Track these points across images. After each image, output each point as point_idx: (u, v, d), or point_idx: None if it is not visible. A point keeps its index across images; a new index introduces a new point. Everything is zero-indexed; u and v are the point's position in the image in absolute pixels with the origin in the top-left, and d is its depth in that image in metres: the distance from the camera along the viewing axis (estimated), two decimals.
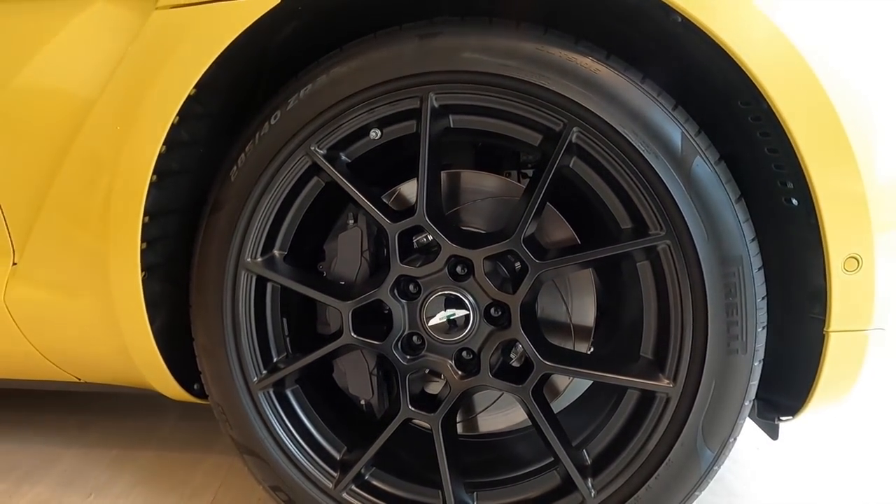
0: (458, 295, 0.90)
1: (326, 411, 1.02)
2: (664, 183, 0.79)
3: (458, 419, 1.04)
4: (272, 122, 0.90)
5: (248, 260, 0.93)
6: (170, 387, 1.05)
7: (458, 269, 0.91)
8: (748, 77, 0.75)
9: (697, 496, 0.87)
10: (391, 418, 0.93)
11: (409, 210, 0.89)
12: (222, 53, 0.84)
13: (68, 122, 0.91)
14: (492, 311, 0.91)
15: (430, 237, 0.91)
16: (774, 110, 0.75)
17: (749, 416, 0.97)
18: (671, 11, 0.76)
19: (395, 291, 0.92)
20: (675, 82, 0.84)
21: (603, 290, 1.09)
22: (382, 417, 0.98)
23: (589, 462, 0.90)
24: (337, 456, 0.98)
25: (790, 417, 0.92)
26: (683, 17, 0.75)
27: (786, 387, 0.91)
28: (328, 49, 0.91)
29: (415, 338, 0.95)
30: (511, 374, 0.92)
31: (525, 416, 0.95)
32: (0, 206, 0.98)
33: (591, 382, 1.18)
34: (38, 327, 1.05)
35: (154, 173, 0.89)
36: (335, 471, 0.97)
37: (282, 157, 0.90)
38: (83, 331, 1.03)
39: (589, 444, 0.91)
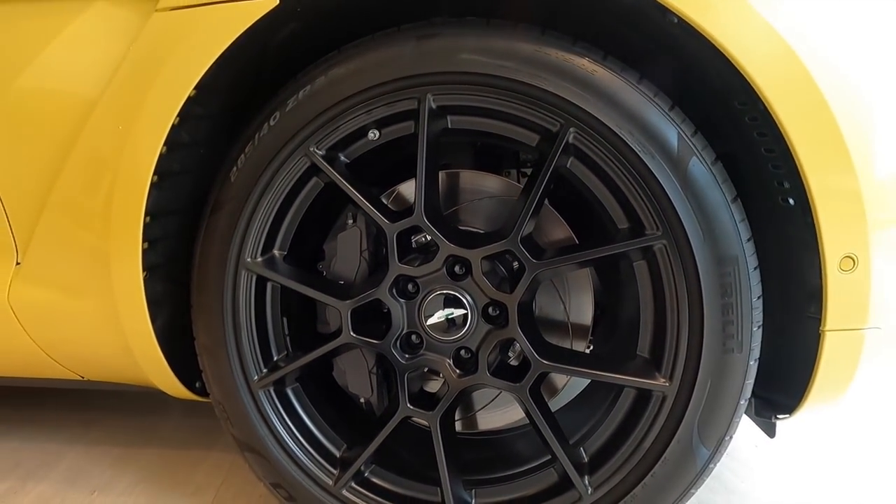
0: (457, 294, 0.91)
1: (326, 409, 1.03)
2: (660, 183, 0.80)
3: (456, 417, 1.05)
4: (271, 123, 0.90)
5: (249, 260, 0.94)
6: (171, 385, 1.06)
7: (457, 268, 0.92)
8: (744, 77, 0.75)
9: (693, 493, 0.87)
10: (390, 416, 0.94)
11: (407, 210, 0.90)
12: (222, 55, 0.84)
13: (70, 122, 0.92)
14: (490, 310, 0.92)
15: (429, 237, 0.91)
16: (770, 110, 0.75)
17: (747, 414, 0.98)
18: (667, 12, 0.76)
19: (394, 291, 0.93)
20: (673, 83, 0.85)
21: (601, 289, 1.09)
22: (382, 415, 0.99)
23: (586, 460, 0.91)
24: (337, 453, 0.99)
25: (787, 416, 0.92)
26: (679, 18, 0.76)
27: (783, 385, 0.91)
28: (327, 50, 0.92)
29: (413, 337, 0.96)
30: (509, 373, 0.92)
31: (523, 415, 0.96)
32: (3, 206, 0.99)
33: (588, 381, 1.19)
34: (41, 326, 1.06)
35: (155, 174, 0.90)
36: (335, 468, 0.97)
37: (281, 158, 0.90)
38: (86, 330, 1.04)
39: (586, 442, 0.92)
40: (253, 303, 0.97)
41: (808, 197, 0.77)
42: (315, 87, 0.88)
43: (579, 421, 0.98)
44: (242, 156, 0.93)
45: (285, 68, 0.95)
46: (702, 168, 0.80)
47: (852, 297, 0.79)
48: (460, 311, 0.91)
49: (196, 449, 1.40)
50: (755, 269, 0.82)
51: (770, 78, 0.74)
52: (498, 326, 0.92)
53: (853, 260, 0.78)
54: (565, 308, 1.04)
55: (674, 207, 0.80)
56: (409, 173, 0.97)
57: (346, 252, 0.99)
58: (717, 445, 0.85)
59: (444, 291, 0.91)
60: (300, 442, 0.98)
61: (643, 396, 0.88)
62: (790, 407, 0.90)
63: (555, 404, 1.07)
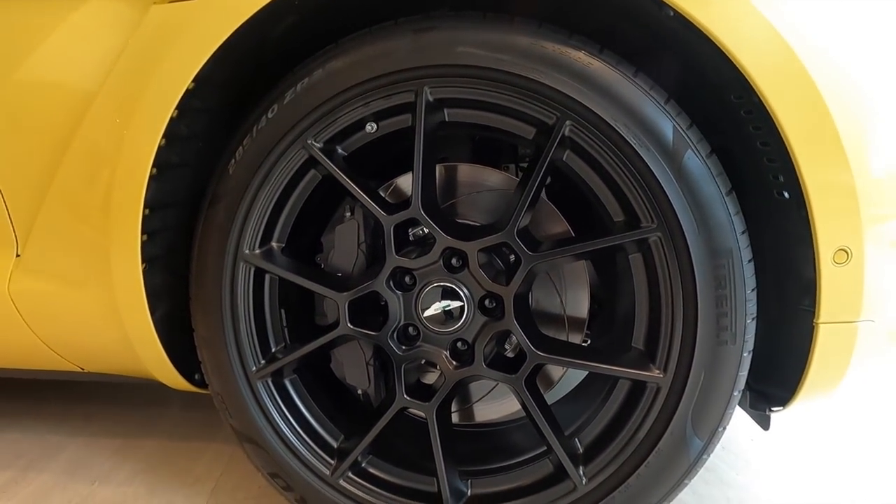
0: (453, 286, 0.92)
1: (324, 400, 1.03)
2: (655, 176, 0.80)
3: (453, 409, 1.06)
4: (269, 115, 0.91)
5: (247, 252, 0.95)
6: (171, 377, 1.06)
7: (453, 260, 0.92)
8: (740, 71, 0.75)
9: (687, 484, 0.88)
10: (387, 407, 0.95)
11: (404, 203, 0.90)
12: (220, 48, 0.85)
13: (69, 115, 0.93)
14: (486, 302, 0.92)
15: (426, 230, 0.92)
16: (765, 104, 0.76)
17: (741, 407, 0.99)
18: (663, 5, 0.76)
19: (391, 283, 0.94)
20: (670, 76, 0.85)
21: (598, 282, 1.10)
22: (379, 406, 0.99)
23: (581, 450, 0.91)
24: (334, 444, 1.00)
25: (781, 408, 0.93)
26: (675, 11, 0.76)
27: (777, 378, 0.92)
28: (325, 44, 0.92)
29: (410, 328, 0.97)
30: (505, 365, 0.93)
31: (519, 407, 0.96)
32: (3, 198, 0.99)
33: (585, 374, 1.19)
34: (41, 318, 1.07)
35: (154, 166, 0.90)
36: (332, 458, 0.98)
37: (279, 151, 0.91)
38: (86, 321, 1.05)
39: (581, 434, 0.92)
40: (251, 295, 0.97)
41: (803, 190, 0.77)
42: (313, 80, 0.89)
43: (575, 413, 0.99)
44: (241, 148, 0.93)
45: (283, 62, 0.95)
46: (697, 161, 0.80)
47: (846, 290, 0.79)
48: (457, 303, 0.92)
49: (196, 441, 1.42)
50: (749, 261, 0.82)
51: (765, 71, 0.75)
52: (494, 318, 0.92)
53: (847, 253, 0.78)
54: (562, 301, 1.04)
55: (669, 200, 0.80)
56: (407, 166, 0.97)
57: (344, 244, 0.99)
58: (711, 436, 0.85)
59: (441, 283, 0.92)
60: (298, 432, 0.99)
61: (638, 388, 0.88)
62: (784, 399, 0.91)
63: (551, 397, 1.08)
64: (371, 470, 0.99)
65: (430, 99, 0.86)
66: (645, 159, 0.80)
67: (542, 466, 0.94)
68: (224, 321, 0.97)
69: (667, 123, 0.80)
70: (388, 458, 1.00)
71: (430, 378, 1.07)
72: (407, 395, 0.94)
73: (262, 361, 0.99)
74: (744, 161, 0.86)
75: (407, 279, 0.94)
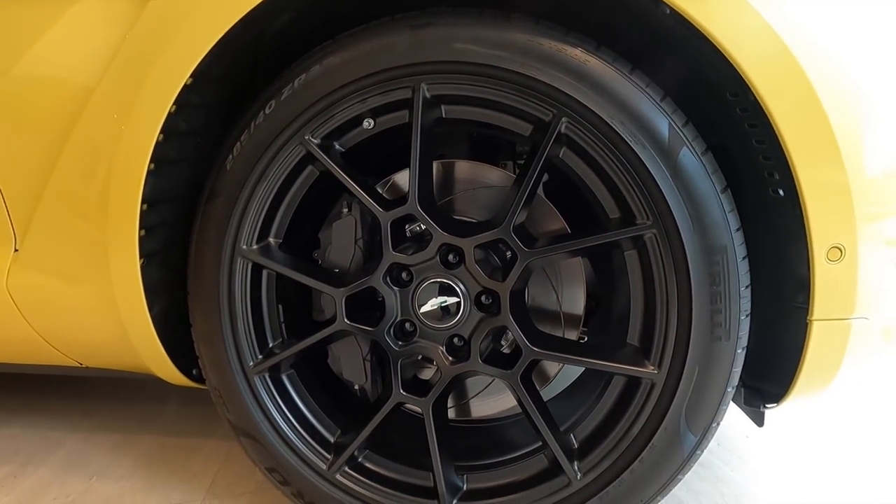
0: (450, 282, 0.92)
1: (321, 395, 1.04)
2: (651, 173, 0.80)
3: (449, 404, 1.06)
4: (267, 111, 0.91)
5: (244, 247, 0.95)
6: (169, 372, 1.07)
7: (450, 257, 0.93)
8: (735, 68, 0.76)
9: (681, 479, 0.89)
10: (383, 402, 0.95)
11: (401, 199, 0.91)
12: (218, 43, 0.85)
13: (67, 110, 0.93)
14: (482, 298, 0.93)
15: (423, 226, 0.92)
16: (760, 102, 0.76)
17: (736, 403, 0.99)
18: (660, 3, 0.76)
19: (388, 279, 0.94)
20: (667, 74, 0.85)
21: (595, 279, 1.10)
22: (375, 402, 1.00)
23: (576, 446, 0.92)
24: (331, 439, 1.00)
25: (775, 405, 0.93)
26: (672, 9, 0.76)
27: (771, 375, 0.93)
28: (323, 40, 0.93)
29: (407, 324, 0.97)
30: (501, 360, 0.94)
31: (515, 402, 0.97)
32: (1, 193, 1.00)
33: (581, 370, 1.20)
34: (40, 312, 1.07)
35: (151, 161, 0.91)
36: (329, 453, 0.99)
37: (276, 147, 0.91)
38: (84, 316, 1.05)
39: (576, 429, 0.93)
40: (249, 290, 0.98)
41: (797, 188, 0.77)
42: (310, 76, 0.89)
43: (570, 409, 0.99)
44: (238, 144, 0.93)
45: (281, 57, 0.96)
46: (692, 158, 0.80)
47: (839, 288, 0.80)
48: (453, 299, 0.92)
49: (194, 437, 1.42)
50: (744, 258, 0.83)
51: (760, 69, 0.75)
52: (490, 314, 0.93)
53: (840, 250, 0.79)
54: (558, 298, 1.05)
55: (664, 197, 0.80)
56: (405, 163, 0.97)
57: (341, 240, 1.00)
58: (704, 432, 0.86)
59: (438, 279, 0.92)
60: (295, 427, 1.00)
61: (632, 384, 0.89)
62: (778, 396, 0.91)
63: (546, 393, 1.08)
64: (367, 465, 1.00)
65: (427, 95, 0.86)
66: (640, 156, 0.80)
67: (538, 462, 0.95)
68: (221, 316, 0.97)
69: (662, 121, 0.81)
70: (385, 452, 1.00)
71: (427, 374, 1.07)
72: (403, 390, 0.95)
73: (260, 356, 0.99)
74: (739, 159, 0.86)
75: (404, 275, 0.95)
